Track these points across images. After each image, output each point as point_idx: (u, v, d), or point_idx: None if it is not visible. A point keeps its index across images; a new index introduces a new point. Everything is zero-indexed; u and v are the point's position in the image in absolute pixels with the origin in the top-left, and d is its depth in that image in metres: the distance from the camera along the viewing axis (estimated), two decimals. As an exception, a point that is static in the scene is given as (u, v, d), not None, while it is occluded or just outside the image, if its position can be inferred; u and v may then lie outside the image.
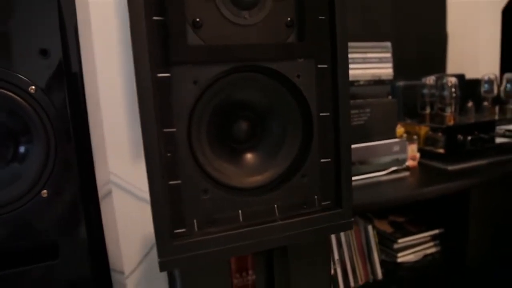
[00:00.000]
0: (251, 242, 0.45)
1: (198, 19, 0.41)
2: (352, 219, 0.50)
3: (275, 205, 0.47)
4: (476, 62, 1.70)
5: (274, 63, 0.44)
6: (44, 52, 0.58)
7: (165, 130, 0.41)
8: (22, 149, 0.58)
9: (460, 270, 0.96)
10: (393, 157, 0.96)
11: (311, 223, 0.48)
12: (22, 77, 0.56)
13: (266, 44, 0.44)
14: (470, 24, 1.67)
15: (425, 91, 1.14)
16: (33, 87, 0.57)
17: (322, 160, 0.49)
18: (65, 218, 0.60)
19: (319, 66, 0.47)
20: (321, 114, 0.48)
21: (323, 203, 0.50)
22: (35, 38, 0.57)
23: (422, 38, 1.43)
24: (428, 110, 1.13)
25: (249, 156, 0.48)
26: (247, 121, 0.48)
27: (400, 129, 1.02)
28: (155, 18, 0.39)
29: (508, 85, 1.15)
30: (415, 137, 1.06)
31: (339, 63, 0.47)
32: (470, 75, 1.37)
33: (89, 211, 0.64)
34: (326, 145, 0.49)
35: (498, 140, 1.08)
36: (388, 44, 0.98)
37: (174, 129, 0.41)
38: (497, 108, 1.18)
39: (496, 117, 1.14)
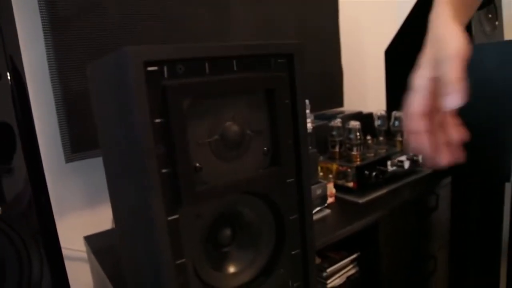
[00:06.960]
0: (247, 335, 0.54)
1: (198, 164, 0.48)
2: (317, 294, 0.62)
3: (262, 298, 0.57)
4: (365, 97, 2.00)
5: (260, 188, 0.54)
6: (8, 170, 0.58)
7: (177, 262, 0.47)
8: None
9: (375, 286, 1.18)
10: (316, 199, 1.12)
11: (289, 305, 0.59)
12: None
13: (252, 176, 0.52)
14: (359, 62, 1.96)
15: (334, 132, 1.34)
16: None
17: (292, 252, 0.59)
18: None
19: (288, 180, 0.57)
20: (290, 217, 0.58)
21: (295, 285, 0.61)
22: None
23: (321, 73, 1.64)
24: (337, 149, 1.33)
25: (233, 258, 0.57)
26: (230, 228, 0.56)
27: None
28: (164, 170, 0.45)
29: (396, 122, 1.41)
30: (330, 176, 1.24)
31: (303, 176, 0.58)
32: (361, 109, 1.62)
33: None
34: (294, 241, 0.59)
35: (390, 169, 1.33)
36: (307, 101, 1.13)
37: (184, 260, 0.48)
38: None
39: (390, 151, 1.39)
